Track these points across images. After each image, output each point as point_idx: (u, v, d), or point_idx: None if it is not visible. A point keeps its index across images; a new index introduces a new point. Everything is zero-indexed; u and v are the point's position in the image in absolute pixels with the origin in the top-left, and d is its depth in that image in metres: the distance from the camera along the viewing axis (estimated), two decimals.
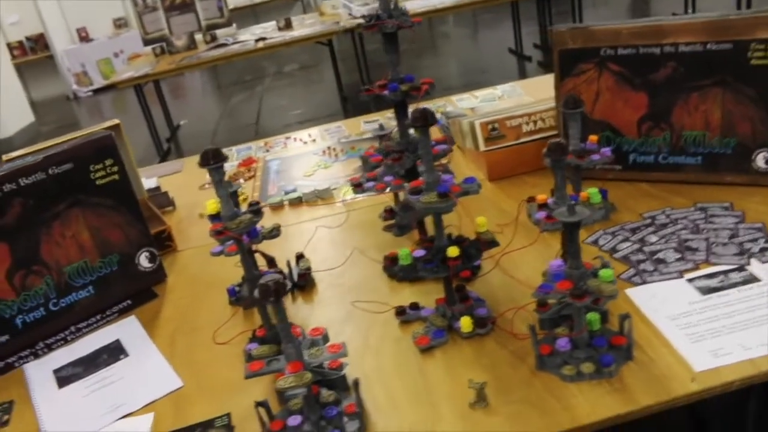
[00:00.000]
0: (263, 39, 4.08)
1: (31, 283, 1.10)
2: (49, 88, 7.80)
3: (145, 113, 4.13)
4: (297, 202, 1.48)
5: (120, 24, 7.72)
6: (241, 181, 1.68)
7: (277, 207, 1.47)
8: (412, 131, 1.04)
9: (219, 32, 4.43)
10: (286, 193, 1.53)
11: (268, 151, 1.88)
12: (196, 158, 1.95)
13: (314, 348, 0.77)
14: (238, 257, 0.95)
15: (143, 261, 1.21)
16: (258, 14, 7.35)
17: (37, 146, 1.32)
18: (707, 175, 1.20)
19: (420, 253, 0.93)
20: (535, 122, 1.40)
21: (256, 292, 1.02)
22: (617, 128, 1.28)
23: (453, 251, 0.90)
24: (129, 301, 1.19)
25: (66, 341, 1.11)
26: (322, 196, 1.48)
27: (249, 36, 4.37)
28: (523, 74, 5.42)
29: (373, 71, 5.38)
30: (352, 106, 4.94)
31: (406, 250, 0.91)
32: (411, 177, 1.13)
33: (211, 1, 4.37)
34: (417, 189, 0.87)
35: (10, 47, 7.49)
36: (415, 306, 0.99)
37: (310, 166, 1.68)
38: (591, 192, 0.99)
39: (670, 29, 1.16)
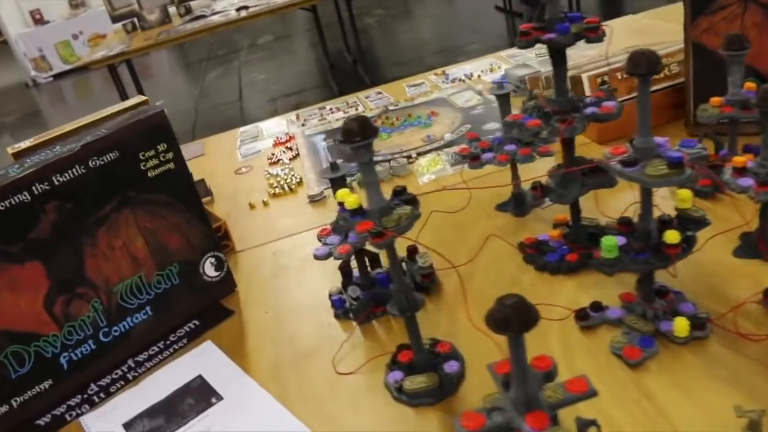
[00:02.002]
0: (245, 8, 3.75)
1: (76, 311, 0.85)
2: (6, 75, 7.29)
3: (121, 95, 3.79)
4: None
5: (76, 4, 7.23)
6: (286, 160, 1.43)
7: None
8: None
9: (193, 4, 4.08)
10: (350, 173, 1.28)
11: (304, 124, 1.62)
12: (218, 138, 1.69)
13: (549, 387, 0.54)
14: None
15: (208, 269, 0.96)
16: None
17: (53, 132, 1.05)
18: None
19: (621, 240, 0.70)
20: None
21: (384, 304, 0.79)
22: (763, 73, 1.06)
23: (673, 236, 0.67)
24: (196, 322, 0.94)
25: (126, 380, 0.86)
26: (398, 174, 1.23)
27: (227, 5, 4.04)
28: (513, 34, 5.18)
29: (352, 38, 5.09)
30: (339, 74, 4.65)
31: (612, 239, 0.67)
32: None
33: None
34: (631, 158, 0.64)
35: None
36: (597, 306, 0.77)
37: None
38: None
39: None
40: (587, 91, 1.14)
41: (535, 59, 1.68)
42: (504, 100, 0.94)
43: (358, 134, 0.58)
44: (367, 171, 0.61)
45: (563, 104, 0.77)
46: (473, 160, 0.95)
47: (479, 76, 1.66)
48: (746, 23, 1.02)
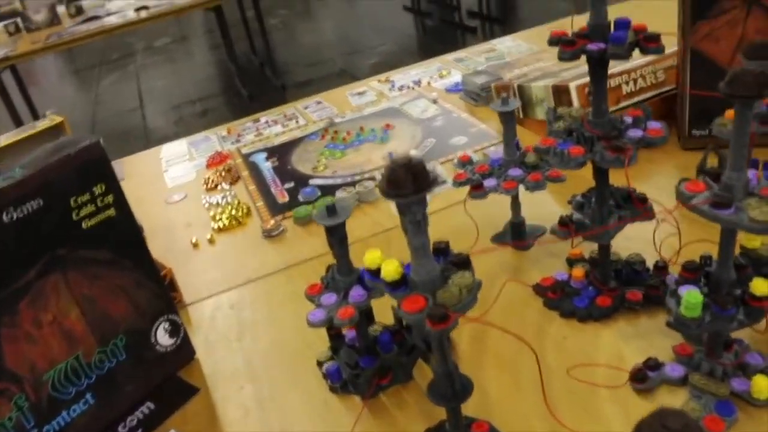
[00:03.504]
0: (145, 8, 3.46)
1: None
2: None
3: (7, 106, 3.40)
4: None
5: None
6: (226, 185, 1.24)
7: (307, 221, 1.06)
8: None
9: (85, 3, 3.73)
10: (307, 200, 1.11)
11: (238, 140, 1.43)
12: (138, 158, 1.48)
13: None
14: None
15: (162, 337, 0.77)
16: None
17: None
18: None
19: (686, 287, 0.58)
20: (635, 81, 1.08)
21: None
22: None
23: (761, 286, 0.56)
24: (150, 405, 0.75)
25: None
26: (366, 200, 1.08)
27: (123, 5, 3.72)
28: (423, 33, 5.13)
29: (258, 38, 4.88)
30: (245, 78, 4.41)
31: (696, 295, 0.55)
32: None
33: None
34: (725, 198, 0.52)
35: None
36: (654, 364, 0.65)
37: (316, 158, 1.27)
38: None
39: None
40: (575, 102, 1.04)
41: (485, 63, 1.57)
42: (509, 117, 0.81)
43: (409, 185, 0.43)
44: (418, 231, 0.46)
45: (605, 127, 0.65)
46: (475, 188, 0.82)
47: (429, 83, 1.54)
48: (748, 29, 0.94)
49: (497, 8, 4.97)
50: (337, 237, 0.65)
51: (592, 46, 0.60)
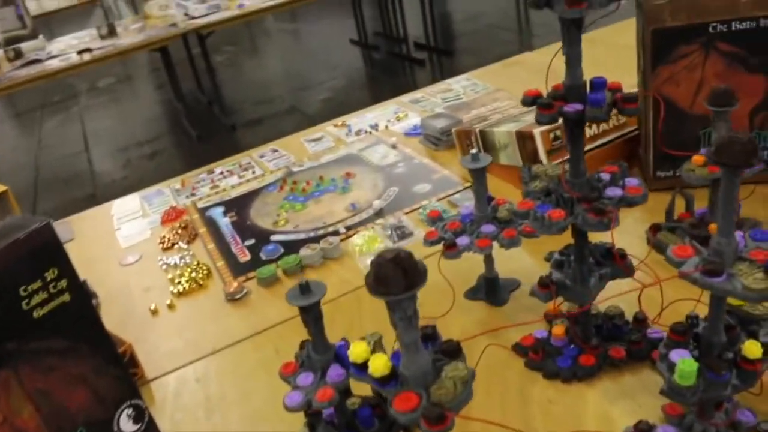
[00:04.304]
0: (88, 50, 3.38)
1: None
2: None
3: None
4: (296, 270, 1.03)
5: None
6: (183, 244, 1.19)
7: (272, 281, 1.02)
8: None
9: (24, 46, 3.63)
10: (269, 258, 1.08)
11: (193, 194, 1.39)
12: (88, 216, 1.41)
13: None
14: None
15: (125, 425, 0.72)
16: (52, 24, 6.33)
17: None
18: None
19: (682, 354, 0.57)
20: (598, 124, 1.09)
21: None
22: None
23: (755, 349, 0.55)
24: None
25: None
26: (331, 256, 1.05)
27: (64, 48, 3.63)
28: (371, 67, 5.15)
29: (204, 76, 4.83)
30: (193, 117, 4.34)
31: (691, 363, 0.54)
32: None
33: (8, 9, 3.56)
34: (717, 266, 0.50)
35: None
36: (647, 428, 0.63)
37: (276, 212, 1.23)
38: None
39: None
40: (540, 149, 1.03)
41: (441, 104, 1.57)
42: (480, 174, 0.79)
43: (399, 282, 0.40)
44: (409, 327, 0.43)
45: (584, 187, 0.64)
46: (449, 248, 0.79)
47: (387, 126, 1.52)
48: (707, 73, 0.95)
49: (443, 40, 5.04)
50: (312, 316, 0.61)
51: (570, 108, 0.59)
